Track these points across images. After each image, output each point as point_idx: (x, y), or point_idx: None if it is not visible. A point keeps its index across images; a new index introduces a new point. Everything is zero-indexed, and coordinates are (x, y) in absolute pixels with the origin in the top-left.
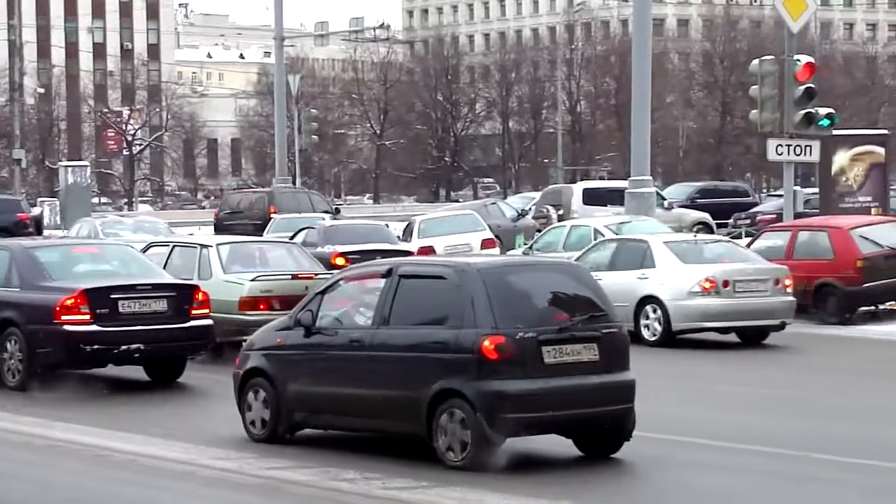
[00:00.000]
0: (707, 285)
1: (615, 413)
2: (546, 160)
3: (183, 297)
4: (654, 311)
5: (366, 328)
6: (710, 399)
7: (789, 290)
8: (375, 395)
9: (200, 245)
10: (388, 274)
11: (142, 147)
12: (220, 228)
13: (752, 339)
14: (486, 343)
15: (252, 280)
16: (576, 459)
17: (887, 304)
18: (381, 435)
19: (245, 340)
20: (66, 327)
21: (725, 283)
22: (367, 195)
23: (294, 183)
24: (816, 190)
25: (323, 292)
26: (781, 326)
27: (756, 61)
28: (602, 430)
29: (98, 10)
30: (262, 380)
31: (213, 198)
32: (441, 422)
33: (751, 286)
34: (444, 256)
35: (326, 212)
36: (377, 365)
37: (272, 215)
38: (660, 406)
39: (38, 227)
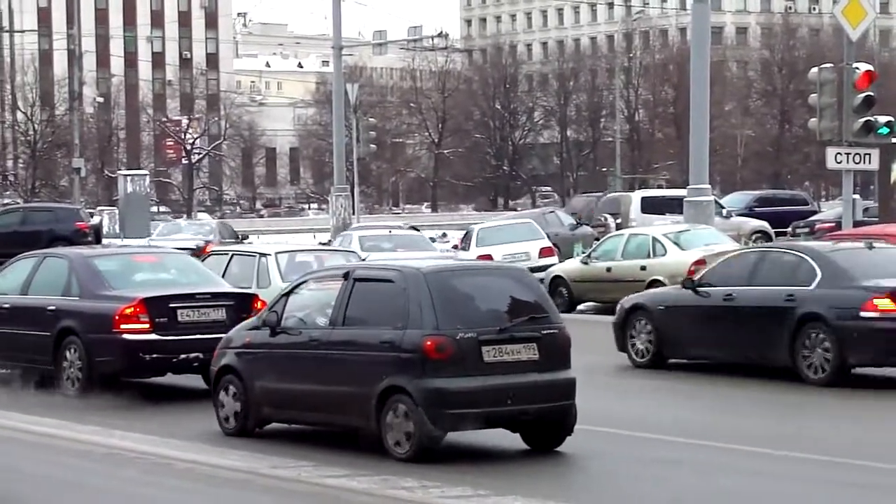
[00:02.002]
0: None
1: (555, 409)
2: (604, 169)
3: (241, 305)
4: None
5: (323, 328)
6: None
7: None
8: (331, 391)
9: (259, 254)
10: (345, 277)
11: (200, 156)
12: None
13: None
14: (428, 343)
15: None
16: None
17: None
18: (338, 430)
19: None
20: (125, 336)
21: None
22: (426, 204)
23: (352, 192)
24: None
25: (287, 294)
26: None
27: (815, 69)
28: (544, 424)
29: (157, 20)
30: (232, 377)
31: (270, 206)
32: (388, 417)
33: None
34: (394, 261)
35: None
36: (332, 363)
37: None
38: None
39: (97, 235)
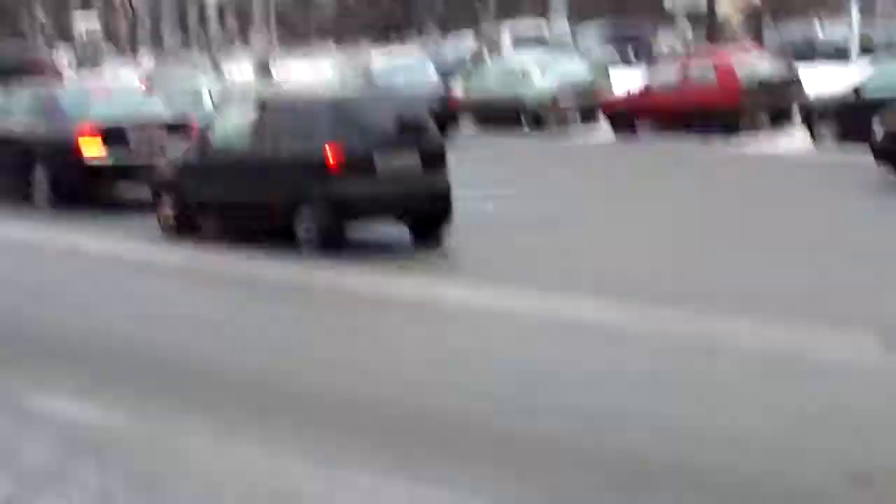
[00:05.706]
0: None
1: (436, 207)
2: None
3: (185, 131)
4: None
5: (246, 147)
6: None
7: None
8: (252, 199)
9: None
10: (262, 105)
11: None
12: None
13: None
14: (331, 155)
15: None
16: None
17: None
18: (259, 229)
19: None
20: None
21: None
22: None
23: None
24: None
25: (216, 120)
26: None
27: None
28: (426, 219)
29: None
30: (170, 189)
31: None
32: (300, 216)
33: None
34: (303, 90)
35: None
36: (254, 175)
37: None
38: None
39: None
